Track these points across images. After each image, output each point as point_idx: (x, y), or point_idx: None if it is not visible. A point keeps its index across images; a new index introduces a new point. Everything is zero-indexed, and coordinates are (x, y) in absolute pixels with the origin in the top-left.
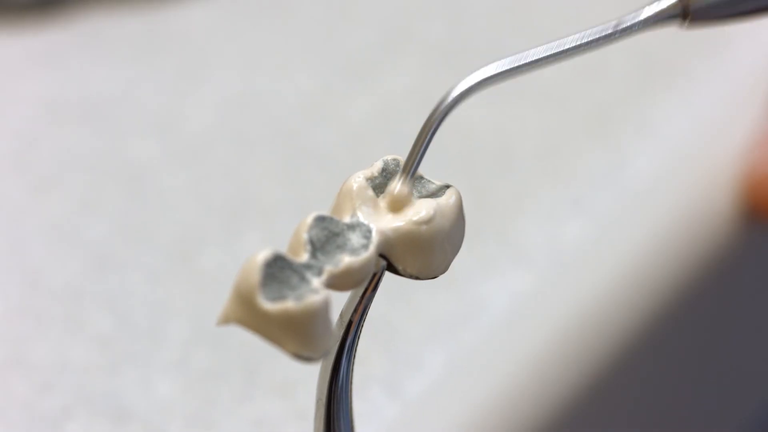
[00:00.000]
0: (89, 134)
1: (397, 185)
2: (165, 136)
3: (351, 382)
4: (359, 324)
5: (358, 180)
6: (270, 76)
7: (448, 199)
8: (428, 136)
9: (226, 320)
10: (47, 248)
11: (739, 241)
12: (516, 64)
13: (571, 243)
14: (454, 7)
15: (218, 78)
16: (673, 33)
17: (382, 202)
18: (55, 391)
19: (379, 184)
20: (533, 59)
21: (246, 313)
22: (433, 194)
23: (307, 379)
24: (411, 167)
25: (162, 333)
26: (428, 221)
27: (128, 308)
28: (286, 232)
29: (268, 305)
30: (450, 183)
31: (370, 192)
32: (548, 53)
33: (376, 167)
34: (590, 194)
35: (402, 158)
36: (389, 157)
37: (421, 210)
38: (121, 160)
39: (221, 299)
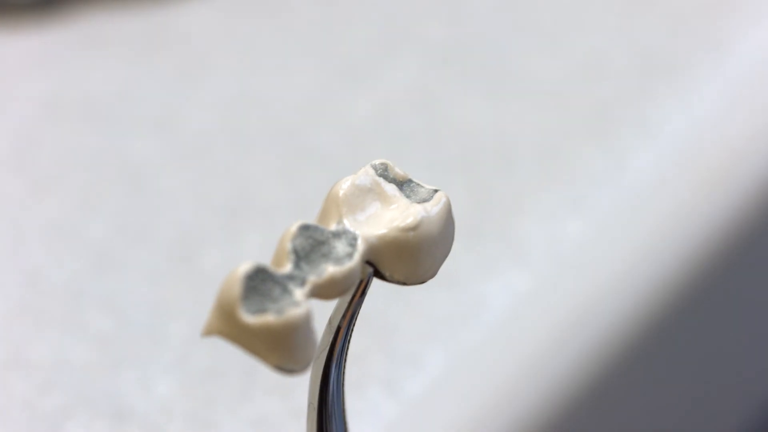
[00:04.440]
0: (89, 134)
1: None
2: (165, 136)
3: (343, 386)
4: (348, 330)
5: (344, 186)
6: (270, 76)
7: (435, 204)
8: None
9: (209, 332)
10: (47, 248)
11: (739, 241)
12: None
13: (571, 242)
14: (454, 7)
15: (218, 77)
16: (673, 30)
17: (371, 207)
18: (55, 390)
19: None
20: None
21: (227, 325)
22: (423, 199)
23: (307, 379)
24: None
25: (162, 333)
26: (415, 227)
27: (128, 308)
28: None
29: (249, 318)
30: (439, 187)
31: (357, 198)
32: None
33: (363, 172)
34: (590, 194)
35: (390, 162)
36: (377, 162)
37: (407, 217)
38: (121, 160)
39: None
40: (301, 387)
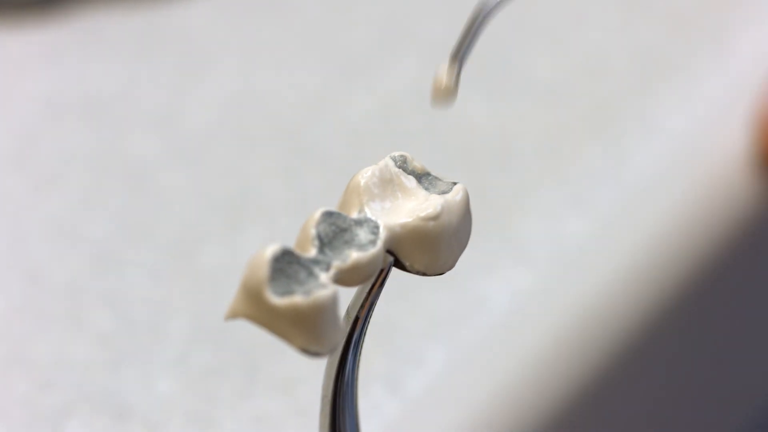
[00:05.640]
0: (90, 131)
1: (444, 75)
2: (165, 133)
3: (357, 379)
4: (366, 320)
5: (365, 176)
6: (270, 73)
7: (455, 195)
8: (479, 22)
9: (234, 315)
10: (48, 246)
11: (740, 239)
12: None
13: (572, 240)
14: (454, 5)
15: (219, 75)
16: (673, 29)
17: (390, 198)
18: (56, 388)
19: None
20: None
21: (254, 307)
22: (442, 191)
23: (308, 376)
24: (461, 54)
25: (163, 330)
26: (435, 217)
27: (129, 306)
28: (287, 229)
29: (276, 300)
30: (457, 180)
31: (377, 188)
32: None
33: (384, 164)
34: (591, 191)
35: (409, 155)
36: (396, 154)
37: (428, 207)
38: (122, 158)
39: (222, 296)
40: (303, 384)
